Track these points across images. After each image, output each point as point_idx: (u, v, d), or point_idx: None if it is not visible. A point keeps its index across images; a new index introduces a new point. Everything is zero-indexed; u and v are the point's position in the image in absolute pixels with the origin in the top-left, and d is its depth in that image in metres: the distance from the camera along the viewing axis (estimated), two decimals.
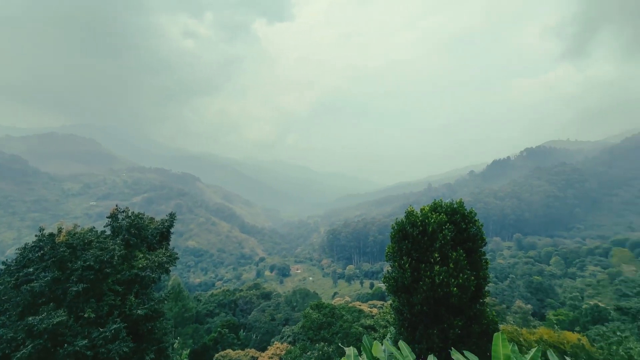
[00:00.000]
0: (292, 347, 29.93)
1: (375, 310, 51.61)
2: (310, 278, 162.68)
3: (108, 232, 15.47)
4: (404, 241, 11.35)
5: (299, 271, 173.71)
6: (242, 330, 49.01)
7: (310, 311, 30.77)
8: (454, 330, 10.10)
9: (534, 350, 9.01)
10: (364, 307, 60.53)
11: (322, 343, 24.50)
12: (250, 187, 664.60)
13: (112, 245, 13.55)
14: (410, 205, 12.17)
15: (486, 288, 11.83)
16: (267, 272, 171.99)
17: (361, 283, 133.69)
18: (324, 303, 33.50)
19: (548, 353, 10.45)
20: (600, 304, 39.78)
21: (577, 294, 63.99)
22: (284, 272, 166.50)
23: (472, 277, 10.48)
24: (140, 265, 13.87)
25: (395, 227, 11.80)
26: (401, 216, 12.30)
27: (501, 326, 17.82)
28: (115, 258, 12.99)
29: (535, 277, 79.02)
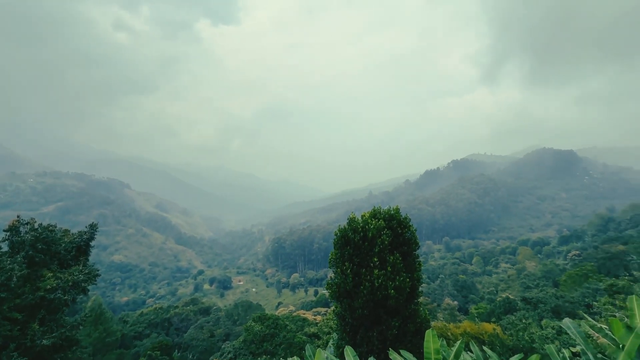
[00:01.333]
0: None
1: (319, 318, 51.93)
2: (254, 289, 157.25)
3: (5, 249, 12.93)
4: (346, 247, 11.68)
5: (241, 283, 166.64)
6: (176, 350, 44.91)
7: (253, 324, 29.63)
8: (391, 331, 10.64)
9: (458, 342, 9.98)
10: (308, 315, 60.54)
11: (264, 356, 23.69)
12: (189, 195, 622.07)
13: (9, 264, 11.33)
14: (353, 212, 12.64)
15: (420, 288, 12.76)
16: (206, 286, 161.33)
17: (306, 291, 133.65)
18: (267, 314, 32.58)
19: (470, 344, 11.65)
20: (510, 296, 45.88)
21: (493, 288, 72.93)
22: (225, 285, 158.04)
23: (408, 279, 11.21)
24: (49, 287, 11.83)
25: (338, 234, 12.10)
26: (344, 223, 12.71)
27: (432, 323, 19.38)
28: (14, 279, 10.89)
29: (461, 275, 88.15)
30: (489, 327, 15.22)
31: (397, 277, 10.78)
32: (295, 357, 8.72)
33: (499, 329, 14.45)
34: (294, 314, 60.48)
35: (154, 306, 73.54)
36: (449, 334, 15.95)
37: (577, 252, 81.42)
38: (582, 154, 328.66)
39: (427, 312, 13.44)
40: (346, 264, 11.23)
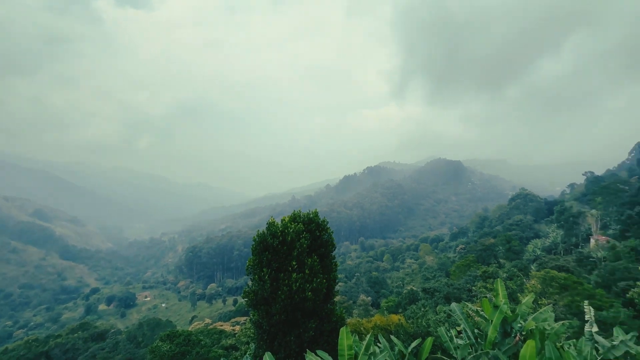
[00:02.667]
0: None
1: (237, 328, 49.65)
2: (163, 305, 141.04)
3: None
4: (264, 252, 11.47)
5: (148, 299, 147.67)
6: None
7: (160, 344, 26.48)
8: (308, 333, 10.83)
9: (368, 336, 10.80)
10: (226, 326, 57.33)
11: None
12: (81, 200, 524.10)
13: None
14: (272, 217, 12.51)
15: (336, 288, 13.38)
16: (102, 306, 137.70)
17: (224, 301, 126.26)
18: (177, 331, 29.55)
19: (379, 336, 12.71)
20: (413, 288, 52.00)
21: (400, 282, 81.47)
22: (127, 303, 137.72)
23: (324, 280, 11.62)
24: None
25: (257, 239, 11.82)
26: (263, 228, 12.48)
27: (348, 320, 20.52)
28: None
29: (374, 273, 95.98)
30: (395, 318, 16.98)
31: (315, 279, 11.08)
32: None
33: (403, 319, 16.29)
34: (210, 327, 56.43)
35: (26, 339, 59.10)
36: (362, 328, 17.14)
37: (463, 246, 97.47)
38: (466, 164, 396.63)
39: (343, 311, 14.17)
40: (264, 269, 11.02)
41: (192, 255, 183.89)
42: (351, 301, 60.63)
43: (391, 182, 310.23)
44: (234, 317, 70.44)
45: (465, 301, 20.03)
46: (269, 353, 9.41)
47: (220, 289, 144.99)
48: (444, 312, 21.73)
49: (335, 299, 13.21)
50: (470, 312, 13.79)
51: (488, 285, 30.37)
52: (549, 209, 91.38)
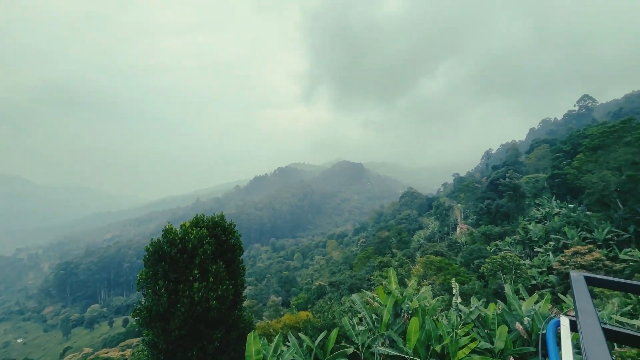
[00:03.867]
0: None
1: (128, 353, 43.09)
2: (19, 340, 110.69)
3: None
4: (160, 263, 10.21)
5: None
6: None
7: None
8: (213, 345, 10.14)
9: (276, 337, 10.84)
10: (114, 352, 49.05)
11: None
12: None
13: None
14: (169, 222, 11.24)
15: (245, 292, 12.92)
16: None
17: (110, 323, 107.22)
18: None
19: (288, 335, 12.87)
20: (321, 282, 54.63)
21: (309, 279, 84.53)
22: None
23: (231, 287, 11.07)
24: None
25: (150, 249, 10.43)
26: (158, 236, 11.11)
27: (257, 324, 20.11)
28: None
29: (284, 272, 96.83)
30: (304, 314, 17.47)
31: (220, 287, 10.44)
32: None
33: (310, 314, 16.90)
34: (91, 357, 47.13)
35: None
36: (272, 330, 17.04)
37: (364, 239, 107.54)
38: (366, 166, 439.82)
39: (252, 315, 13.78)
40: (160, 282, 9.80)
41: (64, 273, 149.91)
42: (261, 304, 59.73)
43: (301, 183, 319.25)
44: (124, 340, 60.60)
45: (366, 290, 22.10)
46: None
47: (105, 309, 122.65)
48: (348, 302, 23.55)
49: (243, 304, 12.75)
50: (369, 299, 15.30)
51: (384, 273, 34.33)
52: (429, 205, 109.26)
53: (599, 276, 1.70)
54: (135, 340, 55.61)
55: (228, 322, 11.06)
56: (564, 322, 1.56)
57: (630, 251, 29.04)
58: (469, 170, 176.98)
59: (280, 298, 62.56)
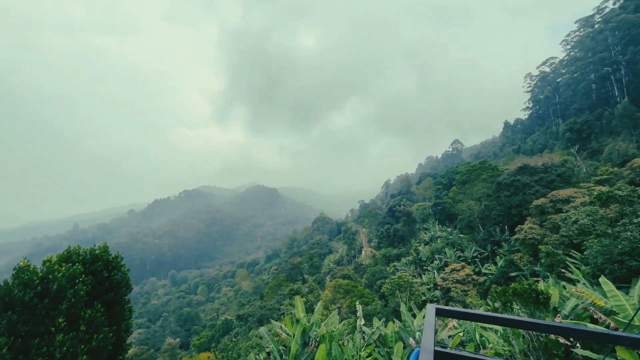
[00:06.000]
0: None
1: None
2: None
3: None
4: (5, 313, 7.79)
5: None
6: None
7: None
8: None
9: None
10: None
11: None
12: None
13: None
14: (25, 258, 8.81)
15: (129, 340, 10.84)
16: None
17: None
18: None
19: None
20: (228, 317, 50.42)
21: (215, 314, 77.10)
22: None
23: (111, 334, 9.17)
24: None
25: None
26: (8, 276, 8.56)
27: None
28: None
29: (185, 308, 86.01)
30: (204, 356, 15.57)
31: (95, 336, 8.52)
32: None
33: (212, 355, 15.19)
34: None
35: None
36: None
37: (276, 267, 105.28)
38: (281, 191, 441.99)
39: None
40: (1, 339, 7.41)
41: None
42: (153, 349, 51.09)
43: (210, 207, 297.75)
44: None
45: (275, 321, 21.36)
46: None
47: None
48: (256, 336, 22.20)
49: (127, 354, 10.66)
50: (278, 330, 14.77)
51: (293, 302, 33.94)
52: (339, 229, 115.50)
53: (447, 307, 2.09)
54: None
55: None
56: (422, 355, 1.84)
57: (489, 266, 36.23)
58: (372, 197, 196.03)
59: (178, 339, 54.79)
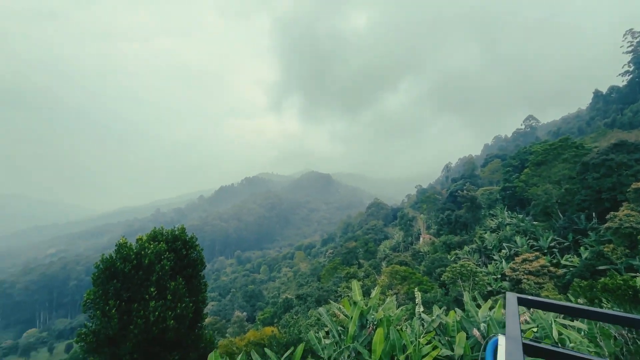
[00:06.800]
0: None
1: None
2: None
3: None
4: (111, 281, 9.41)
5: None
6: None
7: None
8: None
9: (239, 356, 10.36)
10: None
11: None
12: None
13: None
14: (123, 237, 10.45)
15: (205, 311, 12.27)
16: None
17: (50, 350, 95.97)
18: None
19: (252, 352, 12.38)
20: (288, 296, 53.60)
21: (276, 292, 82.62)
22: None
23: (191, 304, 10.48)
24: None
25: (101, 266, 9.61)
26: (111, 250, 10.27)
27: (220, 342, 19.12)
28: None
29: (250, 286, 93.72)
30: (269, 330, 16.93)
31: (179, 305, 9.84)
32: None
33: (276, 330, 16.43)
34: None
35: None
36: (235, 348, 16.29)
37: (332, 250, 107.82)
38: (334, 177, 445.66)
39: (213, 333, 13.09)
40: (110, 302, 9.00)
41: None
42: (224, 320, 57.04)
43: (269, 193, 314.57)
44: None
45: (333, 302, 22.03)
46: None
47: (44, 334, 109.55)
48: (315, 315, 23.28)
49: (204, 322, 12.10)
50: (336, 311, 15.26)
51: (350, 285, 34.56)
52: (394, 215, 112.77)
53: (530, 297, 1.88)
54: None
55: (187, 343, 10.41)
56: (501, 341, 1.69)
57: (570, 257, 32.04)
58: (430, 182, 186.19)
59: (245, 313, 60.21)
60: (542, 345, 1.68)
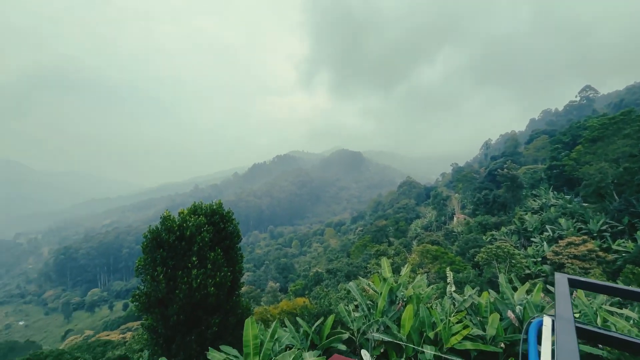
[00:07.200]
0: None
1: (129, 335, 44.01)
2: (21, 322, 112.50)
3: None
4: (158, 250, 10.30)
5: None
6: None
7: None
8: (211, 330, 10.35)
9: (274, 323, 11.05)
10: (114, 335, 50.13)
11: None
12: None
13: None
14: (167, 210, 11.26)
15: (243, 279, 13.10)
16: None
17: (111, 307, 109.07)
18: (42, 352, 24.06)
19: (285, 320, 13.13)
20: (318, 270, 55.41)
21: (307, 266, 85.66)
22: None
23: (229, 273, 11.21)
24: None
25: (149, 236, 10.51)
26: (157, 223, 11.17)
27: (255, 309, 20.48)
28: None
29: (282, 259, 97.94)
30: (301, 301, 17.80)
31: (218, 273, 10.57)
32: None
33: (307, 301, 17.23)
34: (92, 339, 48.08)
35: None
36: (269, 315, 17.38)
37: (361, 228, 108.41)
38: (365, 155, 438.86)
39: (249, 301, 14.01)
40: (158, 269, 9.91)
41: (64, 258, 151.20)
42: (259, 289, 60.66)
43: (300, 171, 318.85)
44: (124, 324, 61.83)
45: (362, 277, 22.44)
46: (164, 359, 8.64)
47: (105, 293, 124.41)
48: (344, 289, 23.97)
49: (241, 290, 12.96)
50: (365, 286, 15.54)
51: (380, 262, 34.85)
52: (427, 194, 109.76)
53: (582, 278, 1.74)
54: (135, 324, 56.72)
55: (226, 308, 11.25)
56: (547, 322, 1.60)
57: (624, 242, 29.46)
58: (467, 160, 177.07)
59: (278, 284, 63.49)
60: (594, 328, 1.58)
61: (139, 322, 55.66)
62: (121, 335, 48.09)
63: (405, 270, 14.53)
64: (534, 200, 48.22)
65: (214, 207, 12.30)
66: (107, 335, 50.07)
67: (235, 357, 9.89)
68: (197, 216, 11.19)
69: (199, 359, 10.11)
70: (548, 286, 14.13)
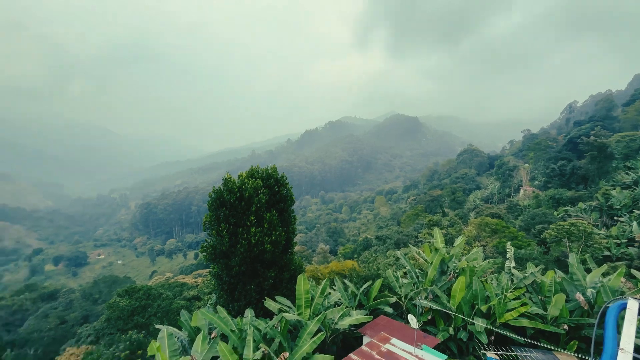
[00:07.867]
0: (93, 347, 24.89)
1: (200, 280, 50.72)
2: (120, 261, 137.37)
3: None
4: (221, 208, 11.37)
5: (101, 257, 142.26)
6: (9, 350, 35.80)
7: (118, 299, 26.28)
8: (268, 282, 11.42)
9: (324, 281, 11.77)
10: (188, 279, 58.19)
11: (132, 331, 21.73)
12: (7, 154, 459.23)
13: None
14: (228, 173, 12.20)
15: (295, 239, 13.96)
16: (49, 267, 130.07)
17: (185, 255, 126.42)
18: (136, 286, 29.33)
19: (335, 280, 13.83)
20: (368, 236, 56.25)
21: (356, 231, 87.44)
22: (78, 262, 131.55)
23: (283, 233, 12.01)
24: None
25: (213, 196, 11.62)
26: (220, 184, 12.23)
27: (306, 267, 21.90)
28: None
29: (333, 224, 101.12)
30: (349, 263, 18.51)
31: (274, 232, 11.39)
32: (165, 326, 8.35)
33: (356, 264, 17.85)
34: (172, 280, 56.86)
35: None
36: (320, 274, 18.50)
37: (414, 197, 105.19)
38: (422, 121, 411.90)
39: (301, 259, 14.99)
40: (222, 225, 11.02)
41: (147, 212, 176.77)
42: (310, 250, 64.18)
43: (351, 137, 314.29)
44: (196, 270, 71.38)
45: (412, 246, 22.22)
46: (220, 306, 9.91)
47: (180, 244, 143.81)
48: (393, 256, 24.12)
49: (294, 249, 13.87)
50: (415, 255, 15.41)
51: (432, 232, 33.92)
52: (491, 164, 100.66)
53: None
54: (204, 271, 65.08)
55: (281, 264, 12.22)
56: (632, 305, 1.40)
57: None
58: (543, 126, 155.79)
59: (328, 246, 66.34)
60: None
61: (207, 270, 63.83)
62: (194, 280, 55.84)
63: (459, 241, 13.97)
64: (627, 174, 41.16)
65: (269, 171, 12.96)
66: (183, 279, 58.55)
67: (289, 307, 10.87)
68: (254, 179, 11.95)
69: (257, 305, 11.37)
70: (633, 271, 12.42)
